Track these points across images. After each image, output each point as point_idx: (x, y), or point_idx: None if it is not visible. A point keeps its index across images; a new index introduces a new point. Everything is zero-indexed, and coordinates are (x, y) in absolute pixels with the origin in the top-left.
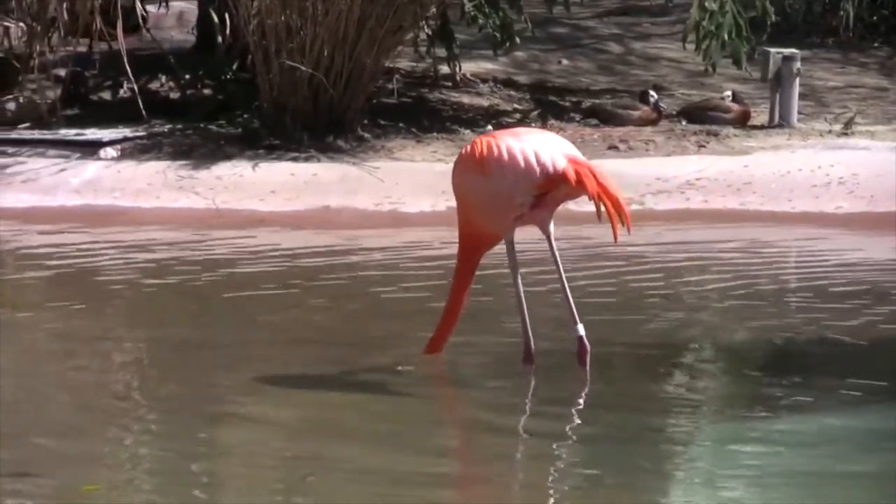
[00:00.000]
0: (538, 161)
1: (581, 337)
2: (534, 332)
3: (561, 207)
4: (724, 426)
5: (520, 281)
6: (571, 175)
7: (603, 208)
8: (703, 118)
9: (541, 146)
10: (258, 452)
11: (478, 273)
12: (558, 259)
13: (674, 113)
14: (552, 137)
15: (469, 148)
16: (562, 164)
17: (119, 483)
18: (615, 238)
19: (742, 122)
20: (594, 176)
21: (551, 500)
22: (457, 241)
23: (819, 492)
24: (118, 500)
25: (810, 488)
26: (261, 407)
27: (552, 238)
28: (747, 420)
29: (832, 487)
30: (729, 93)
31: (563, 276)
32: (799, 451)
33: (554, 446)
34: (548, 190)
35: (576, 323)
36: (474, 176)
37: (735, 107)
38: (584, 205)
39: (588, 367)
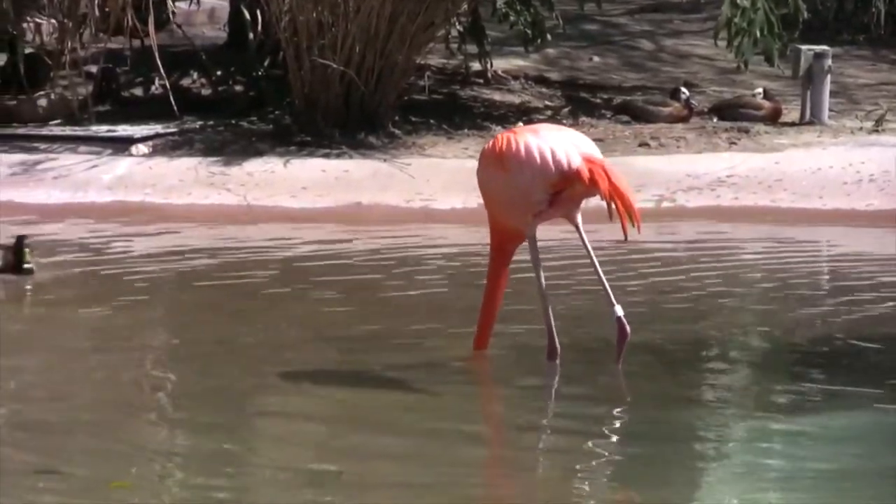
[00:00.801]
0: (554, 159)
1: (620, 318)
2: (559, 329)
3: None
4: (754, 423)
5: (542, 276)
6: (585, 174)
7: (614, 207)
8: (734, 115)
9: (557, 144)
10: (289, 449)
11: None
12: (589, 247)
13: (705, 110)
14: (571, 135)
15: (491, 143)
16: (576, 163)
17: (148, 479)
18: (625, 236)
19: (773, 119)
20: (607, 175)
21: (582, 496)
22: (486, 237)
23: (850, 489)
24: (147, 496)
25: (841, 486)
26: (292, 403)
27: (581, 227)
28: (778, 417)
29: (863, 485)
30: (760, 90)
31: (596, 262)
32: (830, 448)
33: (583, 442)
34: (563, 188)
35: (612, 305)
36: (494, 171)
37: (766, 104)
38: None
39: (623, 351)
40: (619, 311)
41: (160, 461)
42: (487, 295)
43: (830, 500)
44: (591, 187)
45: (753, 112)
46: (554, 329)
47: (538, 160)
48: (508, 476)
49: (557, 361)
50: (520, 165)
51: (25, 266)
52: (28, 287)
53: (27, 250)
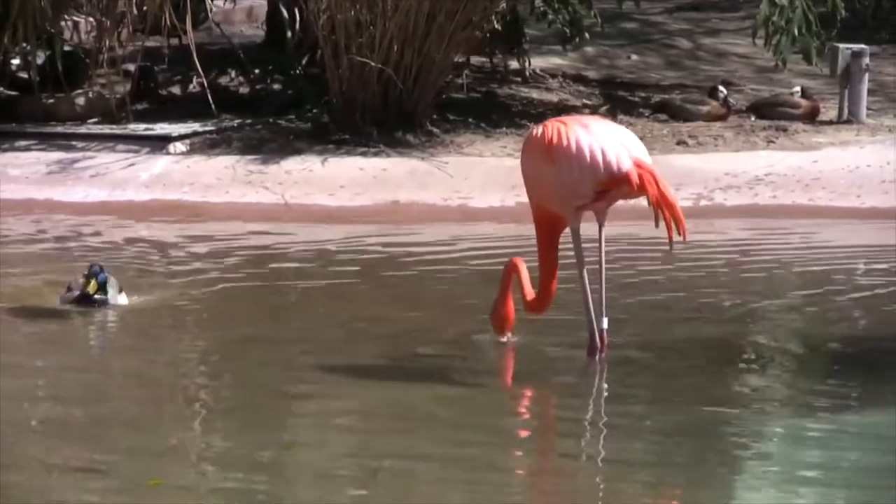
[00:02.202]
0: (604, 159)
1: (603, 331)
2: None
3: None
4: (791, 422)
5: (585, 272)
6: (635, 178)
7: (661, 215)
8: (772, 114)
9: (608, 143)
10: (326, 446)
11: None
12: (603, 251)
13: (743, 109)
14: (621, 133)
15: (540, 131)
16: (626, 166)
17: (187, 478)
18: (671, 245)
19: (811, 117)
20: (656, 182)
21: (620, 493)
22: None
23: (887, 488)
24: (184, 494)
25: (878, 485)
26: (330, 400)
27: (603, 229)
28: (815, 417)
29: None
30: (798, 88)
31: (604, 267)
32: (866, 447)
33: (621, 439)
34: (610, 188)
35: (602, 315)
36: (541, 163)
37: (804, 102)
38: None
39: (598, 360)
40: (605, 323)
41: (199, 460)
42: (543, 275)
43: (867, 499)
44: (639, 192)
45: (791, 111)
46: (595, 325)
47: (588, 159)
48: (543, 474)
49: (599, 357)
50: (569, 161)
51: (97, 297)
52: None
53: (92, 281)
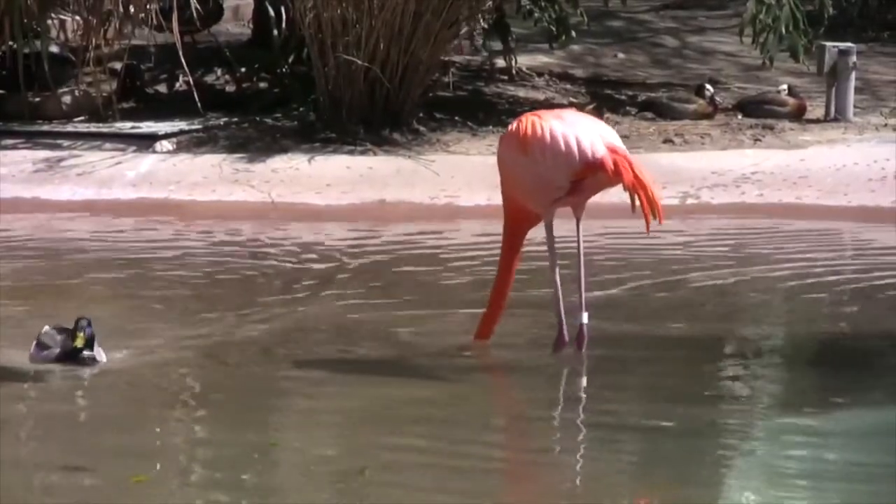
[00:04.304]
0: (579, 147)
1: (583, 325)
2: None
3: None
4: (780, 420)
5: (557, 266)
6: (609, 164)
7: (637, 199)
8: (758, 112)
9: (583, 132)
10: (313, 443)
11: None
12: (581, 245)
13: (729, 107)
14: (595, 123)
15: (514, 125)
16: (601, 152)
17: (170, 475)
18: (647, 229)
19: (798, 115)
20: (631, 167)
21: (605, 492)
22: None
23: (875, 488)
24: (168, 491)
25: (866, 484)
26: (316, 399)
27: (580, 223)
28: (803, 414)
29: (889, 483)
30: (785, 86)
31: (583, 262)
32: (855, 445)
33: (608, 438)
34: (585, 176)
35: (582, 310)
36: (516, 154)
37: (791, 100)
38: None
39: (584, 350)
40: (585, 318)
41: (185, 458)
42: (498, 283)
43: (855, 499)
44: (615, 178)
45: (778, 108)
46: (563, 319)
47: (563, 147)
48: (532, 473)
49: (563, 351)
50: (543, 151)
51: (85, 353)
52: None
53: (80, 334)
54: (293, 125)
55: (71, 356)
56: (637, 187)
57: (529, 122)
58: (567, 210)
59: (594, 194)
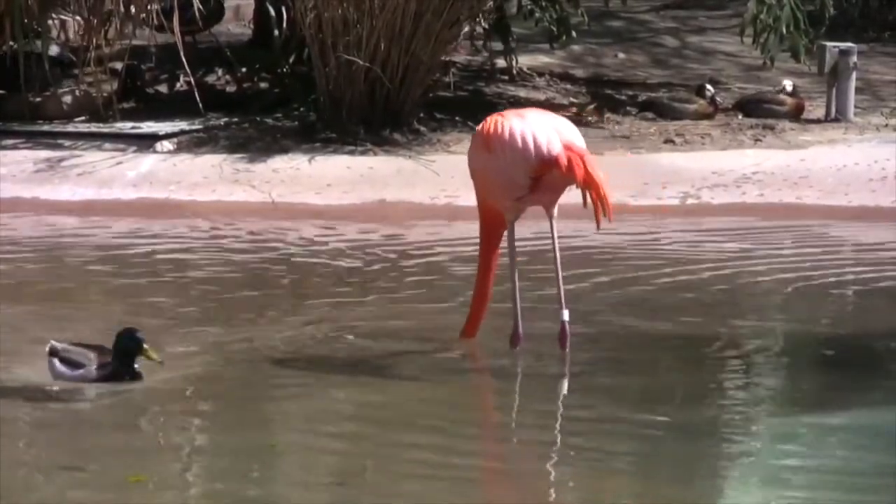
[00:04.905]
0: (535, 143)
1: (564, 322)
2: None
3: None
4: (778, 420)
5: (515, 265)
6: (563, 160)
7: (589, 196)
8: (758, 111)
9: (540, 129)
10: (311, 444)
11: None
12: (557, 243)
13: (729, 107)
14: (555, 120)
15: (481, 125)
16: (556, 149)
17: (167, 475)
18: (598, 226)
19: (796, 114)
20: (584, 164)
21: (605, 493)
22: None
23: (876, 487)
24: (166, 491)
25: (867, 483)
26: (315, 399)
27: (554, 220)
28: (803, 414)
29: (890, 483)
30: (789, 82)
31: (559, 260)
32: (856, 445)
33: (607, 438)
34: (542, 173)
35: (562, 308)
36: (481, 153)
37: (789, 99)
38: (639, 199)
39: (567, 351)
40: (565, 315)
41: (182, 458)
42: (479, 283)
43: (856, 499)
44: (568, 175)
45: (777, 107)
46: (520, 317)
47: (520, 144)
48: (530, 472)
49: (518, 348)
50: (502, 148)
51: (137, 370)
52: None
53: (148, 347)
54: (294, 125)
55: (125, 374)
56: (589, 185)
57: (493, 120)
58: (569, 210)
59: (559, 193)
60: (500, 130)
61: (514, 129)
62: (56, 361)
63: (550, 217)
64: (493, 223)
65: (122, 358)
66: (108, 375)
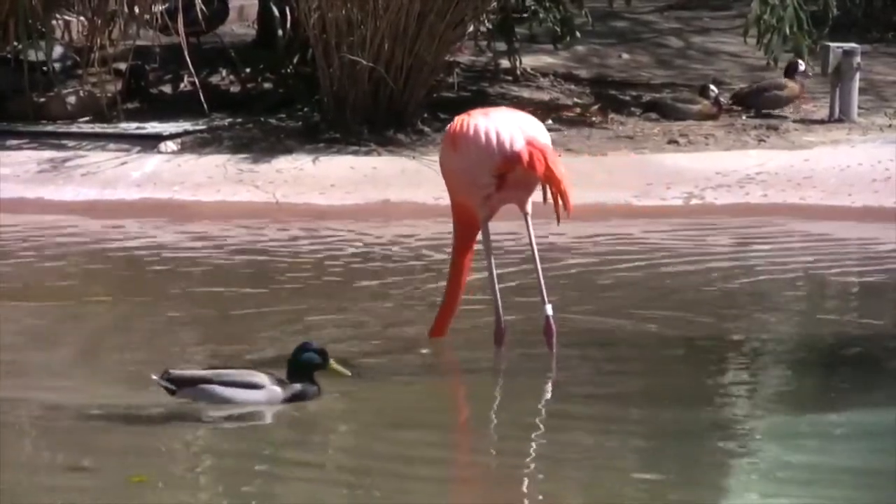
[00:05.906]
0: (497, 140)
1: (548, 317)
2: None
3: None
4: (779, 420)
5: (493, 262)
6: (525, 156)
7: (549, 191)
8: (760, 101)
9: (503, 126)
10: (315, 444)
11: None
12: (534, 240)
13: (729, 102)
14: (520, 118)
15: (450, 125)
16: (518, 146)
17: (170, 476)
18: (558, 221)
19: (797, 97)
20: (546, 160)
21: (603, 494)
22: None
23: (876, 487)
24: (169, 491)
25: (867, 483)
26: (319, 399)
27: (529, 217)
28: (804, 414)
29: (890, 483)
30: (802, 63)
31: (537, 256)
32: (856, 445)
33: (606, 438)
34: (507, 170)
35: (545, 303)
36: (449, 152)
37: (789, 83)
38: (643, 199)
39: (554, 348)
40: (549, 310)
41: (185, 458)
42: (451, 282)
43: (856, 499)
44: (530, 170)
45: (777, 92)
46: (502, 315)
47: (483, 141)
48: (533, 473)
49: (502, 347)
50: (467, 146)
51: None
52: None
53: (333, 362)
54: (297, 125)
55: (307, 392)
56: (549, 179)
57: (460, 120)
58: (574, 212)
59: (530, 191)
60: (465, 128)
61: (478, 126)
62: (215, 387)
63: (525, 215)
64: (467, 223)
65: (301, 374)
66: (298, 394)
